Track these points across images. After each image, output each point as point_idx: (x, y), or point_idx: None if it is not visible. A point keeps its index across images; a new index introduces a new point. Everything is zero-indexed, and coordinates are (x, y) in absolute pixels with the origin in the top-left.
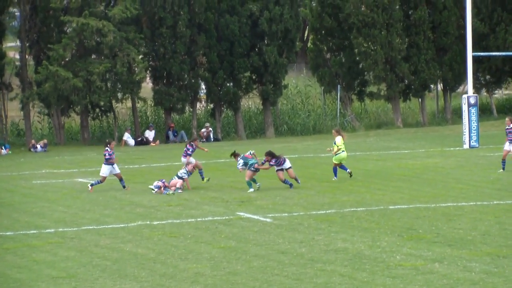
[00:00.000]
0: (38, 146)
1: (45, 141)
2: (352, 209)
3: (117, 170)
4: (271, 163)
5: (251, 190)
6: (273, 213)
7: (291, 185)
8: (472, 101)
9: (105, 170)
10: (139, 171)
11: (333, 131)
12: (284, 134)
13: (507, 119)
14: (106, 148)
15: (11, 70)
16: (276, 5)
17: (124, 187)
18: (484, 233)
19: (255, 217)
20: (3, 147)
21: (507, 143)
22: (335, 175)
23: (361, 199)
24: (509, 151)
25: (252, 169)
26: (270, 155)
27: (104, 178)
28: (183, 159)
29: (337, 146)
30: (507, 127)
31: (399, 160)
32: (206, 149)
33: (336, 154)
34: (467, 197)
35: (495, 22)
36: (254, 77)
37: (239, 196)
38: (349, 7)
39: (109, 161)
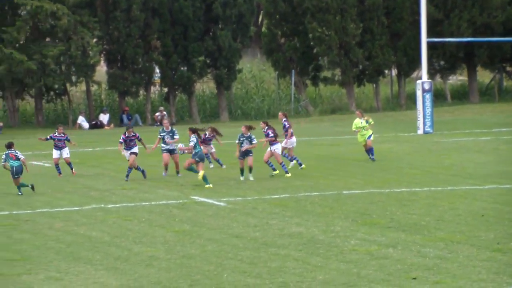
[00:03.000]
0: None
1: (1, 124)
2: (306, 193)
3: (65, 155)
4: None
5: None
6: (227, 197)
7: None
8: (427, 86)
9: (54, 153)
10: (93, 154)
11: (357, 112)
12: (238, 119)
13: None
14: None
15: None
16: None
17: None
18: (438, 219)
19: (209, 201)
20: None
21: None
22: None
23: (315, 184)
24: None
25: (196, 158)
26: (193, 131)
27: (55, 160)
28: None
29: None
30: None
31: (353, 146)
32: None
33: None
34: (421, 183)
35: (450, 7)
36: (208, 61)
37: (193, 180)
38: None
39: (57, 146)
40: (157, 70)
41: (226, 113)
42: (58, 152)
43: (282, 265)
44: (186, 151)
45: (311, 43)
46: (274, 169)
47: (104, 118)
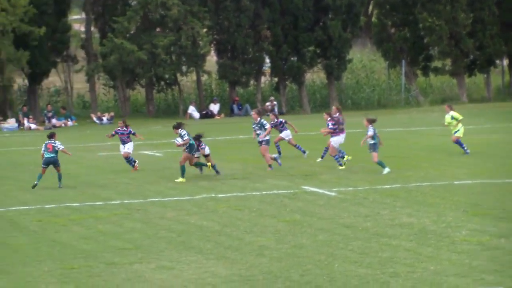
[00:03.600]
0: (104, 118)
1: (112, 113)
2: (417, 184)
3: (126, 150)
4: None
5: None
6: (338, 187)
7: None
8: None
9: (120, 148)
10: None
11: (445, 106)
12: (348, 109)
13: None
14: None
15: (76, 42)
16: None
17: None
18: None
19: (320, 191)
20: (69, 119)
21: None
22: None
23: (425, 174)
24: None
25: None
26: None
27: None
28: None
29: (454, 120)
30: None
31: (463, 136)
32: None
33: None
34: None
35: None
36: (318, 51)
37: (304, 169)
38: None
39: (122, 140)
40: (267, 60)
41: (337, 103)
42: (122, 146)
43: (393, 255)
44: (182, 145)
45: (422, 33)
46: (341, 164)
47: (214, 108)
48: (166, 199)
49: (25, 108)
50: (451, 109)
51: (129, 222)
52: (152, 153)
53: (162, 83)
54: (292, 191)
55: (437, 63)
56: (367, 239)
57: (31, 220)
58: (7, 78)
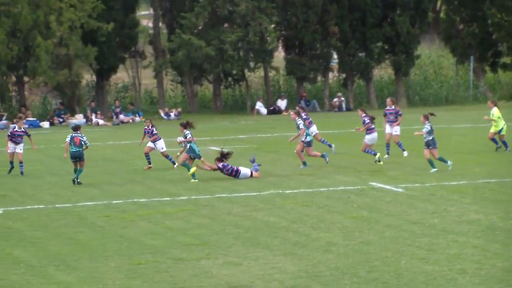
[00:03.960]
0: (172, 114)
1: (180, 109)
2: (485, 180)
3: (161, 148)
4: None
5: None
6: (405, 183)
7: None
8: None
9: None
10: (270, 140)
11: (489, 102)
12: (416, 105)
13: (388, 99)
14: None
15: (144, 38)
16: None
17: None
18: None
19: (387, 187)
20: (137, 115)
21: (387, 125)
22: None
23: (493, 170)
24: (391, 134)
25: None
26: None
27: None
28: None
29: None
30: (387, 107)
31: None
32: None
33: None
34: None
35: None
36: (386, 47)
37: (371, 166)
38: None
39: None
40: (335, 56)
41: (404, 99)
42: (152, 144)
43: (460, 252)
44: (184, 143)
45: (490, 29)
46: (375, 154)
47: (281, 103)
48: (233, 195)
49: (93, 104)
50: (495, 105)
51: (196, 218)
52: (219, 149)
53: (230, 79)
54: (359, 187)
55: (506, 59)
56: (434, 235)
57: (98, 215)
58: (75, 74)
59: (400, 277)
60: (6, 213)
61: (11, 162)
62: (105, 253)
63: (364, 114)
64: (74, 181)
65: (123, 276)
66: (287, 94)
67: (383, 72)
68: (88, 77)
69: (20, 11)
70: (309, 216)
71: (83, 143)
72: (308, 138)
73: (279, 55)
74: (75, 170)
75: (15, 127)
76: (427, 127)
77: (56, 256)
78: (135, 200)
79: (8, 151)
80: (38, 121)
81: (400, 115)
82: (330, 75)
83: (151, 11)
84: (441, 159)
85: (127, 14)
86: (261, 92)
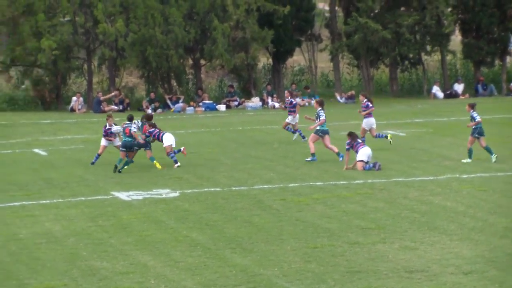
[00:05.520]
0: (342, 98)
1: (353, 92)
2: None
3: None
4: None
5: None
6: None
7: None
8: None
9: (103, 142)
10: (447, 123)
11: None
12: None
13: (360, 95)
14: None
15: (320, 21)
16: None
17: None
18: None
19: None
20: (312, 98)
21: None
22: None
23: None
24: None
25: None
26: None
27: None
28: None
29: None
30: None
31: None
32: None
33: None
34: None
35: None
36: None
37: None
38: None
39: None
40: None
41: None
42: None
43: None
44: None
45: None
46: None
47: (458, 87)
48: (410, 179)
49: (269, 87)
50: None
51: (373, 202)
52: (396, 133)
53: (406, 62)
54: None
55: None
56: None
57: (274, 198)
58: (252, 57)
59: None
60: (182, 196)
61: (99, 155)
62: (281, 236)
63: (365, 99)
64: (116, 170)
65: (299, 259)
66: (464, 78)
67: None
68: (264, 60)
69: None
70: (486, 201)
71: (132, 132)
72: (322, 127)
73: (456, 38)
74: (120, 161)
75: (106, 126)
76: (477, 116)
77: (232, 239)
78: (311, 183)
79: (102, 143)
80: (214, 104)
81: None
82: (508, 59)
83: None
84: (469, 153)
85: None
86: (438, 75)
